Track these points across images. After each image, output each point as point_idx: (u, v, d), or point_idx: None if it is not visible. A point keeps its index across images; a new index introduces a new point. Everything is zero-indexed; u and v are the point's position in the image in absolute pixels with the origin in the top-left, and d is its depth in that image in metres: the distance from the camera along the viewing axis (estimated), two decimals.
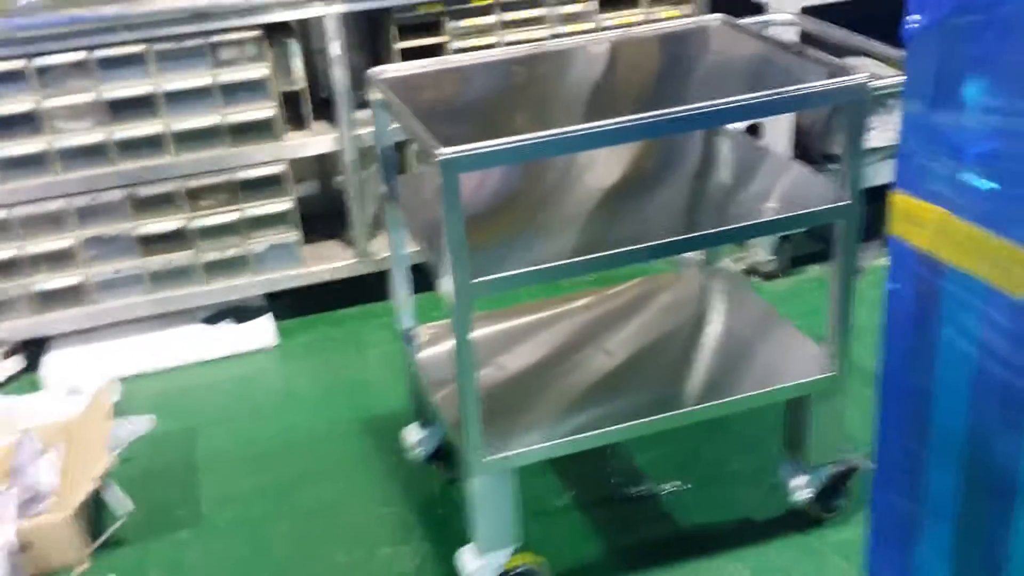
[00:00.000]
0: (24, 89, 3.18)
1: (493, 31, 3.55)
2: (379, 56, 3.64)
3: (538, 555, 2.40)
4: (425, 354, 2.62)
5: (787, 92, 2.17)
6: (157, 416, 3.16)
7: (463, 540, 2.39)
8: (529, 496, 2.40)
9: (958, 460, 1.61)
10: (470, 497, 2.27)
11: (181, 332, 3.58)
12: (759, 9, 3.55)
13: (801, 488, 2.55)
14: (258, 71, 3.34)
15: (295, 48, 3.41)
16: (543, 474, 2.81)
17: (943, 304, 1.56)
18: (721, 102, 2.12)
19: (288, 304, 3.71)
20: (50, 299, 3.40)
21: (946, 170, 1.53)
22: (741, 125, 2.86)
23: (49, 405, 3.18)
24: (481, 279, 2.09)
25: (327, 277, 3.62)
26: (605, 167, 2.60)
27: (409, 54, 3.40)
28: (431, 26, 3.51)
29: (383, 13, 3.48)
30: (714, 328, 2.67)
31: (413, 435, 2.77)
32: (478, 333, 2.14)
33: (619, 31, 2.71)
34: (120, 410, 3.12)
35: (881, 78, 2.26)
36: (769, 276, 3.71)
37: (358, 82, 3.44)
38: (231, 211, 3.47)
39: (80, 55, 3.18)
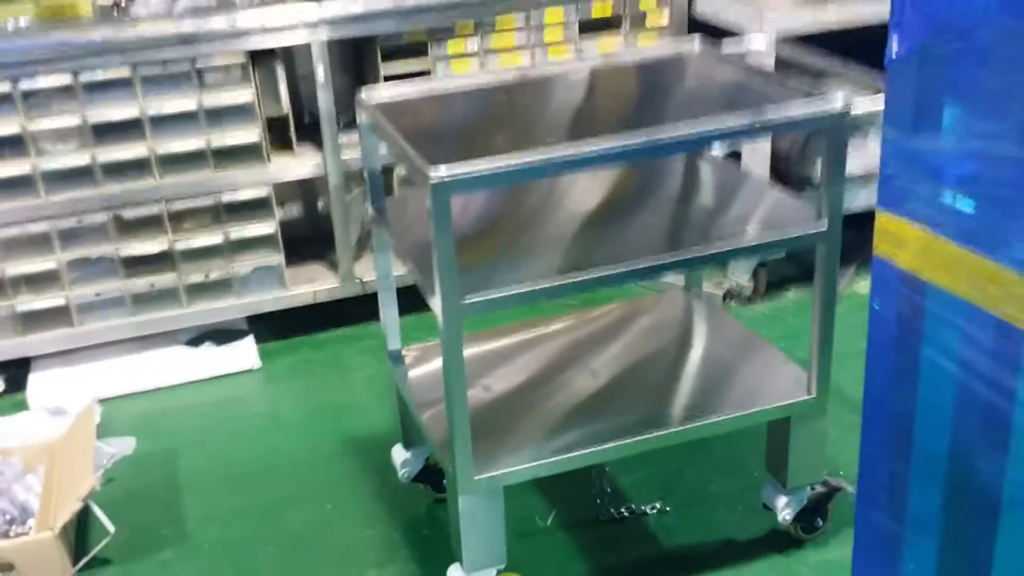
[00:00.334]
0: (10, 112, 3.19)
1: (476, 57, 3.59)
2: (364, 81, 3.66)
3: (522, 575, 2.41)
4: (412, 375, 2.64)
5: (767, 117, 2.21)
6: (138, 438, 3.16)
7: (449, 560, 2.40)
8: (514, 516, 2.41)
9: (941, 479, 1.64)
10: (457, 516, 2.28)
11: (163, 354, 3.58)
12: (737, 35, 3.61)
13: (782, 509, 2.57)
14: (243, 96, 3.36)
15: (280, 73, 3.44)
16: (527, 494, 2.83)
17: (926, 323, 1.60)
18: (703, 127, 2.16)
19: (270, 327, 3.72)
20: (33, 320, 3.40)
21: (927, 192, 1.57)
22: (721, 150, 2.91)
23: (32, 425, 3.17)
24: (471, 299, 2.11)
25: (310, 300, 3.64)
26: (586, 190, 2.64)
27: (394, 79, 3.42)
28: (416, 51, 3.55)
29: (368, 38, 3.51)
30: (697, 350, 2.71)
31: (399, 456, 2.78)
32: (463, 354, 2.16)
33: (603, 57, 2.75)
34: (101, 431, 3.11)
35: (857, 104, 2.31)
36: (747, 300, 3.75)
37: (343, 106, 3.48)
38: (215, 234, 3.48)
39: (66, 79, 3.20)
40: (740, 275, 3.71)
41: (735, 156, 3.56)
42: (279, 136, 3.54)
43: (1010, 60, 1.42)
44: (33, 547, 2.60)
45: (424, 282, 2.21)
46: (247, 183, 3.46)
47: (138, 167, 3.34)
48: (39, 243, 3.34)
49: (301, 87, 3.75)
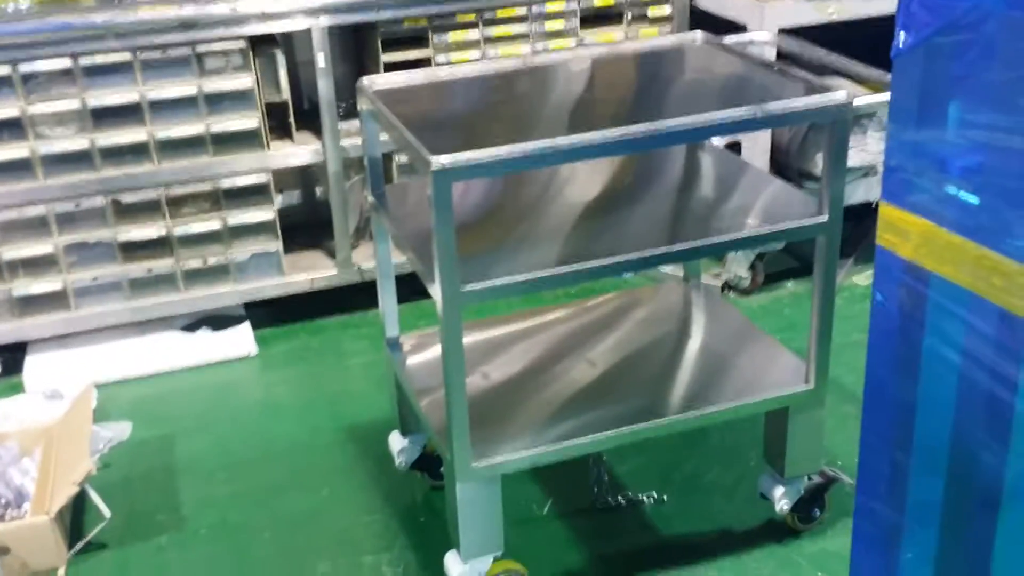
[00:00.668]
0: (9, 95, 3.19)
1: (477, 46, 3.59)
2: (364, 69, 3.66)
3: (519, 563, 2.42)
4: (410, 362, 2.64)
5: (770, 109, 2.21)
6: (135, 423, 3.15)
7: (445, 547, 2.40)
8: (510, 504, 2.42)
9: (942, 469, 1.64)
10: (455, 504, 2.28)
11: (160, 339, 3.58)
12: (738, 28, 3.62)
13: (779, 499, 2.58)
14: (243, 81, 3.36)
15: (280, 59, 3.44)
16: (524, 482, 2.84)
17: (928, 313, 1.60)
18: (707, 117, 2.17)
19: (266, 313, 3.72)
20: (30, 304, 3.40)
21: (931, 183, 1.57)
22: (721, 141, 2.91)
23: (29, 409, 3.17)
24: (470, 287, 2.12)
25: (308, 287, 3.64)
26: (586, 180, 2.64)
27: (394, 67, 3.43)
28: (416, 40, 3.54)
29: (368, 26, 3.51)
30: (695, 340, 2.71)
31: (396, 443, 2.78)
32: (462, 342, 2.16)
33: (604, 47, 2.76)
34: (97, 416, 3.11)
35: (858, 98, 2.31)
36: (745, 292, 3.76)
37: (342, 94, 3.48)
38: (213, 219, 3.48)
39: (66, 62, 3.19)
40: (738, 267, 3.72)
41: (734, 148, 3.57)
42: (278, 123, 3.53)
43: (1016, 53, 1.42)
44: (28, 531, 2.60)
45: (424, 270, 2.21)
46: (246, 169, 3.45)
47: (137, 152, 3.33)
48: (37, 227, 3.33)
49: (301, 74, 3.75)
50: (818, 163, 3.60)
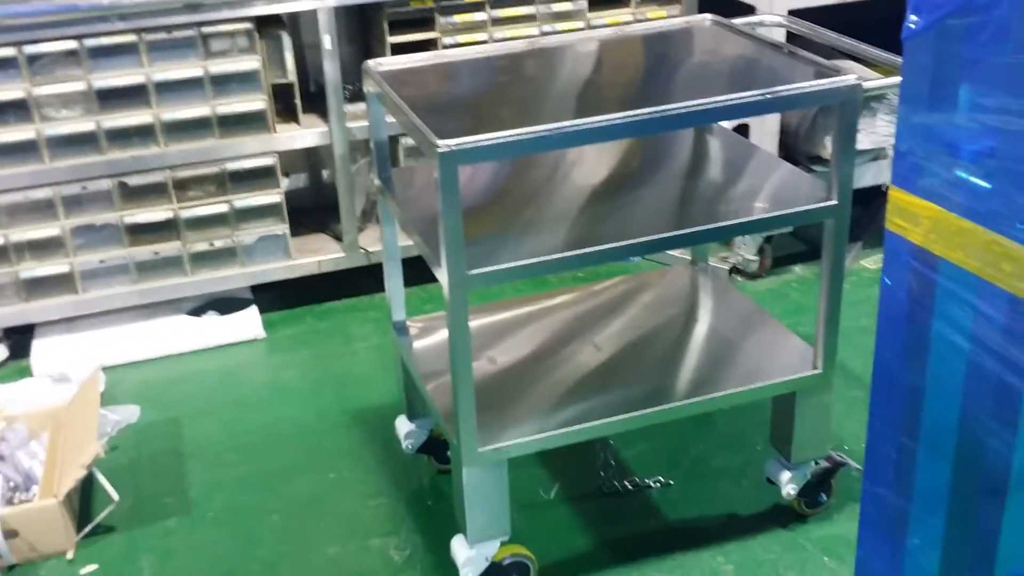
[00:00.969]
0: (14, 77, 3.18)
1: (484, 28, 3.57)
2: (370, 51, 3.65)
3: (526, 547, 2.42)
4: (417, 346, 2.63)
5: (780, 91, 2.20)
6: (142, 406, 3.16)
7: (452, 531, 2.40)
8: (517, 489, 2.41)
9: (950, 455, 1.64)
10: (461, 488, 2.28)
11: (167, 323, 3.58)
12: (747, 10, 3.59)
13: (786, 484, 2.58)
14: (249, 63, 3.35)
15: (286, 41, 3.42)
16: (531, 466, 2.84)
17: (937, 298, 1.59)
18: (718, 100, 2.15)
19: (274, 296, 3.71)
20: (37, 287, 3.40)
21: (941, 168, 1.56)
22: (729, 124, 2.89)
23: (36, 392, 3.18)
24: (477, 271, 2.11)
25: (315, 270, 3.63)
26: (594, 163, 2.62)
27: (400, 49, 3.41)
28: (422, 22, 3.53)
29: (375, 8, 3.49)
30: (702, 325, 2.70)
31: (403, 427, 2.78)
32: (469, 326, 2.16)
33: (612, 29, 2.74)
34: (105, 399, 3.12)
35: (868, 80, 2.29)
36: (752, 276, 3.75)
37: (349, 76, 3.46)
38: (220, 202, 3.47)
39: (71, 44, 3.18)
40: (746, 250, 3.70)
41: (743, 130, 3.55)
42: (284, 105, 3.52)
43: None
44: (37, 514, 2.61)
45: (430, 253, 2.20)
46: (252, 152, 3.44)
47: (143, 134, 3.33)
48: (43, 209, 3.33)
49: (307, 56, 3.73)
50: (827, 146, 3.58)
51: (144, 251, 3.45)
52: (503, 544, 2.38)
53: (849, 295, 2.51)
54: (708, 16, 2.75)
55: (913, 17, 1.57)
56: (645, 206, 2.38)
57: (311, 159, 3.95)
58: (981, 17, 1.47)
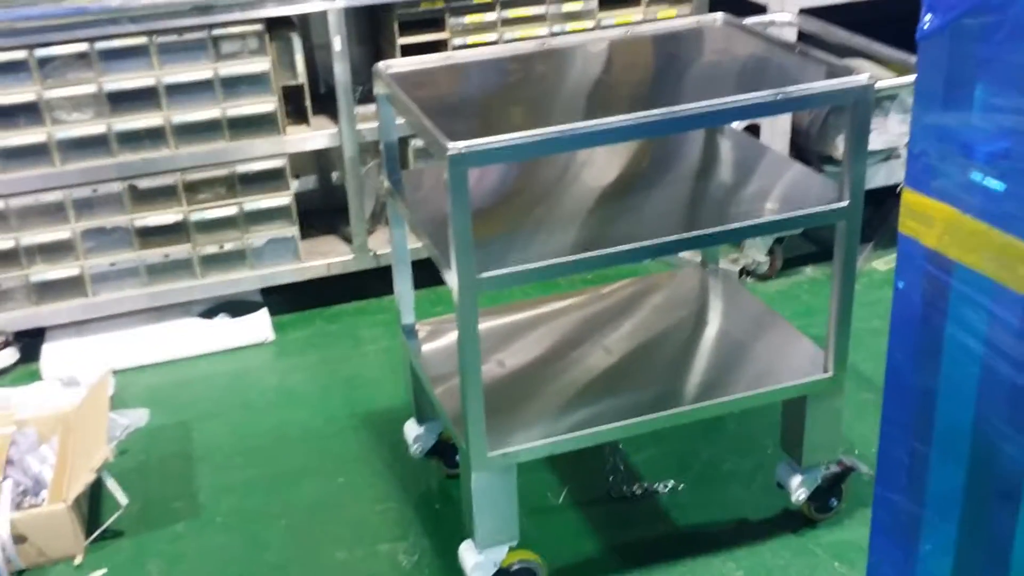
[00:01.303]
0: (25, 80, 3.17)
1: (494, 28, 3.56)
2: (380, 52, 3.64)
3: (534, 552, 2.40)
4: (426, 349, 2.62)
5: (792, 91, 2.18)
6: (152, 410, 3.14)
7: (461, 536, 2.39)
8: (525, 493, 2.40)
9: (963, 460, 1.62)
10: (470, 493, 2.27)
11: (176, 326, 3.57)
12: (758, 9, 3.57)
13: (796, 489, 2.55)
14: (259, 65, 3.34)
15: (296, 42, 3.41)
16: (540, 471, 2.82)
17: (951, 302, 1.57)
18: (729, 100, 2.14)
19: (284, 299, 3.71)
20: (47, 290, 3.40)
21: (956, 169, 1.53)
22: (740, 124, 2.87)
23: (46, 396, 3.17)
24: (486, 274, 2.09)
25: (324, 272, 3.62)
26: (604, 165, 2.61)
27: (410, 50, 3.40)
28: (433, 22, 3.51)
29: (385, 9, 3.48)
30: (712, 327, 2.68)
31: (411, 431, 2.77)
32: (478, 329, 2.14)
33: (623, 29, 2.72)
34: (114, 403, 3.11)
35: (880, 80, 2.28)
36: (763, 277, 3.73)
37: (359, 77, 3.46)
38: (230, 205, 3.47)
39: (82, 46, 3.18)
40: (756, 252, 3.68)
41: (753, 131, 3.53)
42: (294, 107, 3.52)
43: None
44: (46, 519, 2.61)
45: (440, 256, 2.19)
46: (262, 154, 3.44)
47: (153, 136, 3.32)
48: (54, 212, 3.32)
49: (317, 57, 3.72)
50: (839, 146, 3.55)
51: (154, 254, 3.45)
52: (511, 549, 2.36)
53: (860, 296, 2.49)
54: (719, 15, 2.73)
55: (928, 16, 1.55)
56: (655, 207, 2.37)
57: (321, 161, 3.94)
58: (996, 16, 1.45)
